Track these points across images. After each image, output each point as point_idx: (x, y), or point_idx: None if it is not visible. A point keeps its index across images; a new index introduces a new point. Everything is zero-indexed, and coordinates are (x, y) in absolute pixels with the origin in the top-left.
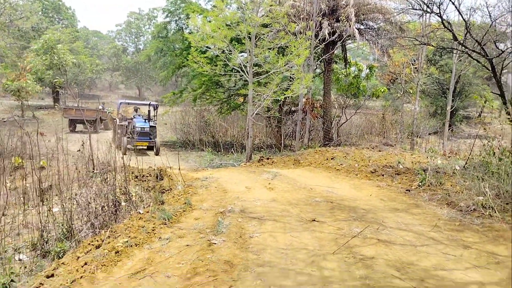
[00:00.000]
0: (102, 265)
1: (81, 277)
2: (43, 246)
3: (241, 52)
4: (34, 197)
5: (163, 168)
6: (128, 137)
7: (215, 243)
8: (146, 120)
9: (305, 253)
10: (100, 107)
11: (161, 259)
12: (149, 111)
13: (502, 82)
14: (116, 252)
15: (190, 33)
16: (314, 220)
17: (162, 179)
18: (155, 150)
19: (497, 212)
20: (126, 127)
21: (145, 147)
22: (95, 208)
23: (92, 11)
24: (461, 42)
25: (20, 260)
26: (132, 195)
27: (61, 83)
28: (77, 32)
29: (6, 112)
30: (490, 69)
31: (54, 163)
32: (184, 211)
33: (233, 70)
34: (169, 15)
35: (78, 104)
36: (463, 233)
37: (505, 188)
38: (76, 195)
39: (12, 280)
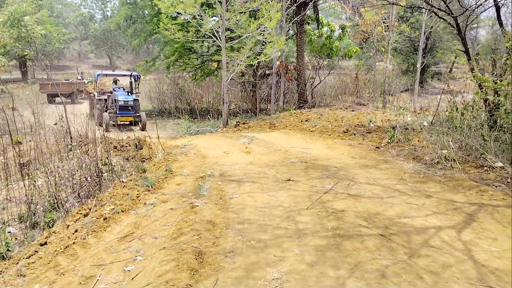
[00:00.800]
0: (92, 231)
1: (74, 243)
2: (31, 218)
3: (213, 16)
4: (15, 172)
5: (142, 138)
6: (109, 113)
7: (198, 205)
8: (128, 93)
9: (281, 210)
10: (79, 77)
11: (147, 223)
12: (131, 82)
13: (466, 39)
14: (104, 219)
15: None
16: (290, 180)
17: (142, 149)
18: (141, 125)
19: (458, 163)
20: (106, 101)
21: (129, 122)
22: (79, 179)
23: None
24: (428, 0)
25: (9, 232)
26: (113, 165)
27: (31, 56)
28: (40, 1)
29: None
30: (455, 26)
31: (30, 138)
32: (165, 177)
33: (205, 35)
34: None
35: (48, 77)
36: (426, 184)
37: (467, 141)
38: (58, 167)
39: (8, 250)
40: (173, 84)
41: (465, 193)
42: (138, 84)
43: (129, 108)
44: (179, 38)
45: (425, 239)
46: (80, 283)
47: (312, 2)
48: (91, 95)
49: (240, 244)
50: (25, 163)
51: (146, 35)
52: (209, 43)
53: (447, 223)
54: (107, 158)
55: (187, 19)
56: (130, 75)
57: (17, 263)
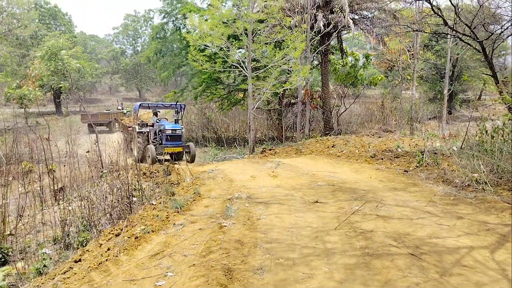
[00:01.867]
0: (124, 249)
1: (106, 260)
2: (65, 239)
3: (239, 48)
4: (48, 197)
5: (170, 164)
6: (154, 144)
7: (226, 226)
8: (176, 121)
9: (309, 230)
10: (119, 107)
11: (177, 242)
12: (177, 111)
13: (493, 64)
14: (135, 238)
15: (187, 33)
16: (317, 202)
17: (170, 175)
18: (189, 156)
19: (490, 186)
20: (147, 134)
21: (172, 158)
22: (112, 201)
23: (88, 16)
24: (452, 26)
25: (44, 253)
26: (144, 189)
27: (66, 88)
28: (75, 38)
29: (9, 121)
30: (481, 51)
31: (63, 166)
32: (194, 200)
33: (232, 66)
34: (165, 16)
35: (83, 108)
36: (457, 206)
37: (498, 163)
38: (89, 192)
39: (44, 266)
40: (200, 113)
41: (498, 214)
42: (182, 115)
43: (178, 137)
44: (207, 69)
45: (457, 259)
46: None
47: (336, 32)
48: (129, 128)
49: (269, 262)
50: (59, 189)
51: (174, 67)
52: (235, 73)
53: (479, 243)
54: (138, 182)
55: (215, 51)
56: (176, 104)
57: (53, 279)
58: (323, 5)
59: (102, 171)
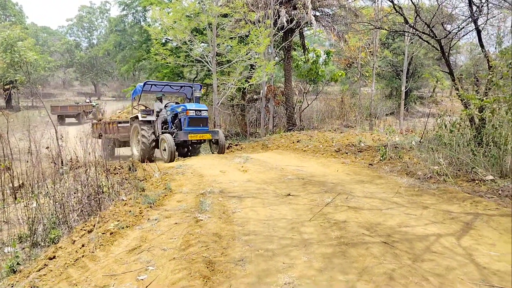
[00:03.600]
0: (100, 245)
1: (83, 256)
2: (33, 238)
3: (203, 42)
4: (6, 196)
5: (135, 160)
6: (170, 133)
7: (202, 219)
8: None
9: (285, 222)
10: (88, 100)
11: (154, 237)
12: (192, 95)
13: (450, 61)
14: (110, 234)
15: (148, 26)
16: (289, 195)
17: (136, 170)
18: (218, 147)
19: (450, 177)
20: (155, 123)
21: (203, 142)
22: (80, 197)
23: (39, 6)
24: (412, 25)
25: (8, 252)
26: (113, 184)
27: (23, 81)
28: (26, 29)
29: None
30: (439, 49)
31: (24, 163)
32: (165, 195)
33: (196, 60)
34: (125, 8)
35: (33, 104)
36: (421, 196)
37: (457, 156)
38: (54, 189)
39: (18, 263)
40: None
41: (460, 204)
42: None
43: (203, 121)
44: (169, 63)
45: (427, 246)
46: None
47: (298, 28)
48: (119, 124)
49: (249, 253)
50: (18, 186)
51: (135, 61)
52: (197, 67)
53: (446, 231)
54: (107, 177)
55: (177, 45)
56: (192, 85)
57: (27, 277)
58: (286, 1)
59: (62, 168)
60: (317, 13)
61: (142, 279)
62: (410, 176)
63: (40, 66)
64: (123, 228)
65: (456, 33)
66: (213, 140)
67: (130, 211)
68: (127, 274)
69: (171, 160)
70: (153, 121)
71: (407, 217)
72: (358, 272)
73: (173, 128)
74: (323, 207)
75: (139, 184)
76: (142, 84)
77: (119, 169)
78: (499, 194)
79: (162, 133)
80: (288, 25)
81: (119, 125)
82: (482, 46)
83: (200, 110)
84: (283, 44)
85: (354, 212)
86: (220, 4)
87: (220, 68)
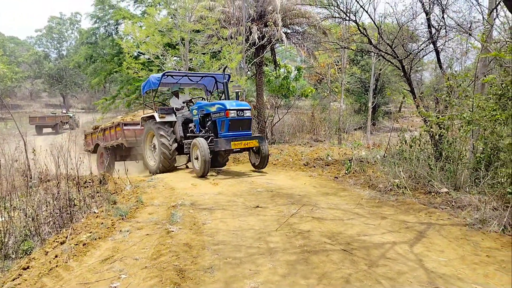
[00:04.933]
0: (73, 255)
1: (56, 266)
2: (4, 250)
3: (176, 56)
4: None
5: (106, 173)
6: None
7: (173, 231)
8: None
9: (253, 232)
10: (64, 111)
11: (126, 247)
12: (217, 88)
13: (411, 79)
14: (83, 245)
15: (120, 39)
16: (258, 207)
17: (106, 184)
18: (260, 158)
19: (408, 190)
20: (172, 126)
21: (246, 150)
22: (53, 210)
23: (7, 16)
24: (375, 45)
25: None
26: (84, 197)
27: None
28: None
29: None
30: (401, 68)
31: None
32: (137, 208)
33: None
34: (97, 21)
35: (11, 114)
36: (381, 208)
37: (415, 170)
38: (23, 202)
39: None
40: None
41: (416, 214)
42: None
43: (246, 124)
44: (141, 77)
45: (382, 253)
46: None
47: (270, 45)
48: (125, 127)
49: (218, 262)
50: None
51: (106, 73)
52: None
53: (400, 239)
54: (78, 190)
55: (149, 58)
56: (223, 73)
57: (1, 286)
58: (257, 18)
59: (31, 181)
60: (288, 31)
61: (115, 287)
62: (372, 189)
63: (7, 77)
64: (95, 239)
65: (417, 53)
66: (254, 148)
67: (102, 223)
68: (100, 282)
69: (205, 172)
70: (174, 122)
71: (366, 226)
72: (318, 277)
73: (202, 131)
74: (289, 218)
75: (110, 197)
76: (157, 75)
77: (89, 182)
78: (452, 205)
79: (188, 138)
80: (259, 42)
81: (124, 127)
82: (440, 66)
83: (242, 110)
84: (255, 60)
85: (318, 222)
86: (192, 20)
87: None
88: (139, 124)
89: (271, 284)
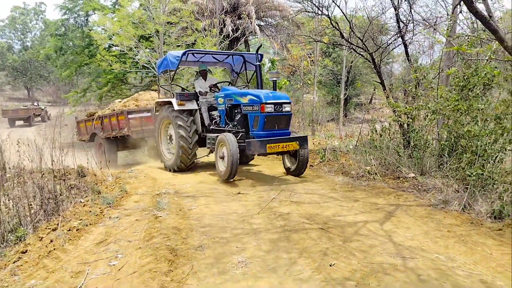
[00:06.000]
0: (68, 240)
1: (54, 249)
2: None
3: (150, 48)
4: None
5: (84, 166)
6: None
7: (161, 216)
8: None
9: (236, 215)
10: (35, 103)
11: (117, 232)
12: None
13: (381, 72)
14: (77, 230)
15: (90, 31)
16: (239, 193)
17: (85, 176)
18: (298, 161)
19: (379, 176)
20: (197, 113)
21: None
22: (41, 199)
23: None
24: (347, 39)
25: None
26: (69, 188)
27: None
28: None
29: None
30: (371, 61)
31: None
32: (122, 197)
33: (143, 66)
34: (67, 12)
35: None
36: (354, 192)
37: (385, 157)
38: (6, 194)
39: None
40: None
41: (385, 197)
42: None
43: (286, 120)
44: (115, 69)
45: (356, 230)
46: (72, 276)
47: (244, 37)
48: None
49: (206, 241)
50: None
51: (76, 66)
52: (142, 73)
53: (372, 219)
54: (64, 181)
55: (121, 50)
56: (256, 52)
57: (4, 268)
58: (231, 11)
59: (6, 175)
60: (261, 23)
61: (114, 264)
62: (345, 175)
63: None
64: (87, 225)
65: (386, 46)
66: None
67: (90, 211)
68: (99, 261)
69: (231, 176)
70: (195, 110)
71: (340, 208)
72: (299, 251)
73: (229, 125)
74: (269, 202)
75: (94, 187)
76: (176, 53)
77: (67, 175)
78: (418, 188)
79: (211, 130)
80: (233, 34)
81: (129, 116)
82: (408, 59)
83: (281, 104)
84: None
85: (297, 206)
86: (166, 12)
87: (167, 74)
88: (145, 110)
89: (257, 258)
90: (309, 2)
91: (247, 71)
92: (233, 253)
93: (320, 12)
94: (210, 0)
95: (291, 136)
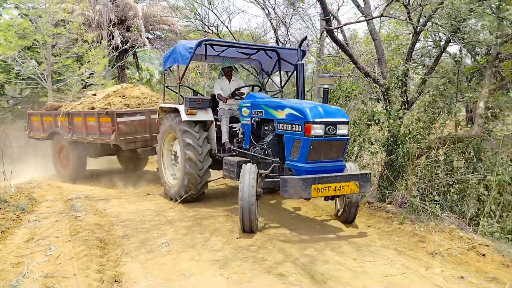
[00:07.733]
0: None
1: None
2: None
3: (37, 60)
4: None
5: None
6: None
7: (80, 216)
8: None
9: (151, 211)
10: None
11: (41, 231)
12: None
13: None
14: (1, 232)
15: None
16: (149, 194)
17: None
18: (348, 204)
19: None
20: (206, 123)
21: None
22: None
23: None
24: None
25: None
26: None
27: None
28: None
29: None
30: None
31: None
32: (33, 204)
33: (29, 78)
34: None
35: None
36: None
37: None
38: None
39: None
40: None
41: None
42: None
43: (340, 149)
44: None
45: None
46: (13, 266)
47: (133, 49)
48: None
49: (129, 231)
50: None
51: None
52: (23, 85)
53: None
54: None
55: (5, 61)
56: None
57: None
58: (119, 23)
59: None
60: (150, 36)
61: (51, 254)
62: None
63: None
64: (8, 228)
65: None
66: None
67: (4, 217)
68: (35, 253)
69: (245, 229)
70: (210, 122)
71: None
72: (210, 231)
73: (256, 147)
74: (179, 201)
75: (1, 197)
76: (188, 44)
77: None
78: None
79: (231, 151)
80: (123, 46)
81: (118, 120)
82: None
83: (335, 124)
84: (118, 64)
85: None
86: (54, 24)
87: (57, 86)
88: (139, 113)
89: (177, 240)
90: (200, 22)
91: (281, 71)
92: (156, 238)
93: (210, 31)
94: (97, 12)
95: (346, 173)
